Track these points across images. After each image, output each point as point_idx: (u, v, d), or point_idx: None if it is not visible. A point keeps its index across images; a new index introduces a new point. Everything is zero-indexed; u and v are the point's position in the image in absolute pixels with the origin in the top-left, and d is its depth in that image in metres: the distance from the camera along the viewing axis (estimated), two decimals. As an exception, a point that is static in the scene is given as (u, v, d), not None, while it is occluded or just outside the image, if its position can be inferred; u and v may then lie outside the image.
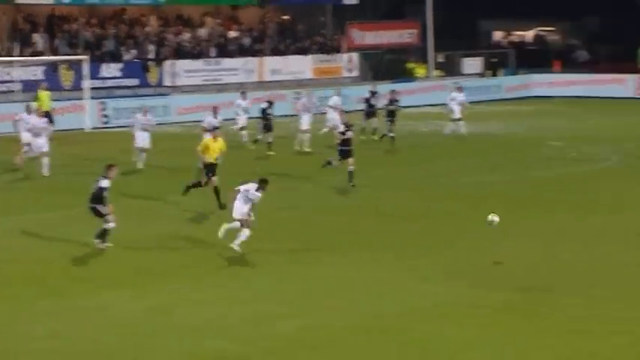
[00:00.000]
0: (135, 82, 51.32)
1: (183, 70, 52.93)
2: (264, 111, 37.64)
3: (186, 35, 55.02)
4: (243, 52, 55.80)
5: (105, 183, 21.91)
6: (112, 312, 18.01)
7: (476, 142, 38.85)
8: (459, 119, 40.66)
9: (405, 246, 20.95)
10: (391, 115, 38.06)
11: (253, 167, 31.03)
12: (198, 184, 27.05)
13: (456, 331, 16.53)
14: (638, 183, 30.10)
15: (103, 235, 22.01)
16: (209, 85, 53.42)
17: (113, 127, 45.98)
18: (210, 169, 26.73)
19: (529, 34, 75.42)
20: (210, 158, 26.77)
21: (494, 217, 21.36)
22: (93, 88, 46.93)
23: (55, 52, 49.32)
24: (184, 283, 20.02)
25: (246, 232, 21.47)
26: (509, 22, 73.48)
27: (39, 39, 50.10)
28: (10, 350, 15.94)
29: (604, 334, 16.25)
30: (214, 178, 26.55)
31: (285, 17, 60.12)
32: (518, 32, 75.15)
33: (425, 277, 19.83)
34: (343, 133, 29.57)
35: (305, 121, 37.75)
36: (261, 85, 54.42)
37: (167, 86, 52.17)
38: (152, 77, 52.16)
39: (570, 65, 64.28)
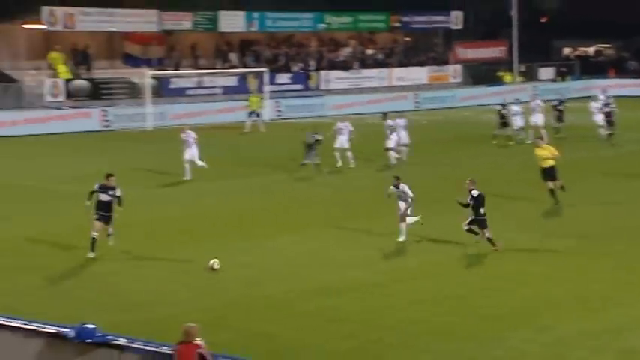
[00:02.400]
0: (300, 86, 51.95)
1: (334, 78, 53.44)
2: (309, 145, 28.28)
3: (337, 53, 55.67)
4: (378, 64, 56.15)
5: None
6: (285, 252, 18.53)
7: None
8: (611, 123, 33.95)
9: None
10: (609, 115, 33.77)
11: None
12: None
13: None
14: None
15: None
16: (353, 88, 53.77)
17: (285, 119, 46.68)
18: (547, 173, 22.70)
19: (590, 50, 73.42)
20: (544, 164, 22.72)
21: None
22: (271, 91, 47.78)
23: (244, 66, 50.59)
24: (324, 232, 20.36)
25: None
26: (574, 41, 71.82)
27: (234, 57, 51.58)
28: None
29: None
30: (550, 183, 22.56)
31: (408, 39, 60.30)
32: (582, 48, 73.25)
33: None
34: None
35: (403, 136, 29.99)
36: (390, 88, 54.68)
37: (323, 89, 52.78)
38: (312, 83, 52.84)
39: (623, 72, 62.59)
